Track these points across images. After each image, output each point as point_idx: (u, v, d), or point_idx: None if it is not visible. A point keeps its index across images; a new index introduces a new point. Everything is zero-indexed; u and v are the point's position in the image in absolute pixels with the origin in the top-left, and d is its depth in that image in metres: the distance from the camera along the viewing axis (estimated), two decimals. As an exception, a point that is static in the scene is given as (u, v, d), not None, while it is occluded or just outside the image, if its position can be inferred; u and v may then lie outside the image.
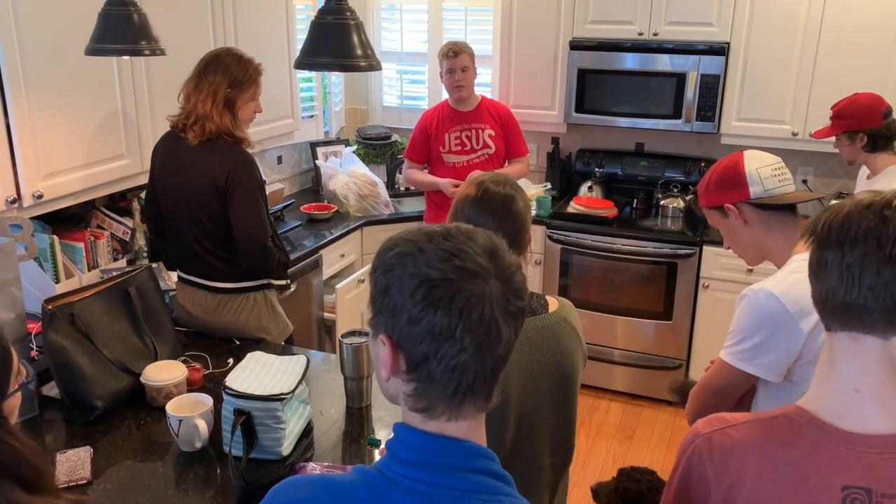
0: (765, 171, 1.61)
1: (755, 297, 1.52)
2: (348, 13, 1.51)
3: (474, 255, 0.86)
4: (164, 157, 2.40)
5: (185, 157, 2.31)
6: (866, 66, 3.41)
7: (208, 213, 2.32)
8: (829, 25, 3.44)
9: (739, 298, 1.57)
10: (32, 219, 2.30)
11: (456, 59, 3.44)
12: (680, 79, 3.71)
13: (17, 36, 2.14)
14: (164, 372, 2.01)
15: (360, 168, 4.11)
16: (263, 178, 2.38)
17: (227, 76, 2.26)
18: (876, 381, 0.97)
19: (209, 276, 2.41)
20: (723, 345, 1.61)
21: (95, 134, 2.48)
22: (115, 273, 2.27)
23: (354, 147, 4.41)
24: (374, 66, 1.51)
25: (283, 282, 2.53)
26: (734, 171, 1.63)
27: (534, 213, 3.92)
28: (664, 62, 3.73)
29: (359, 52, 1.50)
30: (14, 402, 1.14)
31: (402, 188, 4.34)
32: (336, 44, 1.50)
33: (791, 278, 1.51)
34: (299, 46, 1.59)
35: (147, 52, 2.01)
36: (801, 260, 1.53)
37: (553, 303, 1.60)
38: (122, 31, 1.97)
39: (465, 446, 0.90)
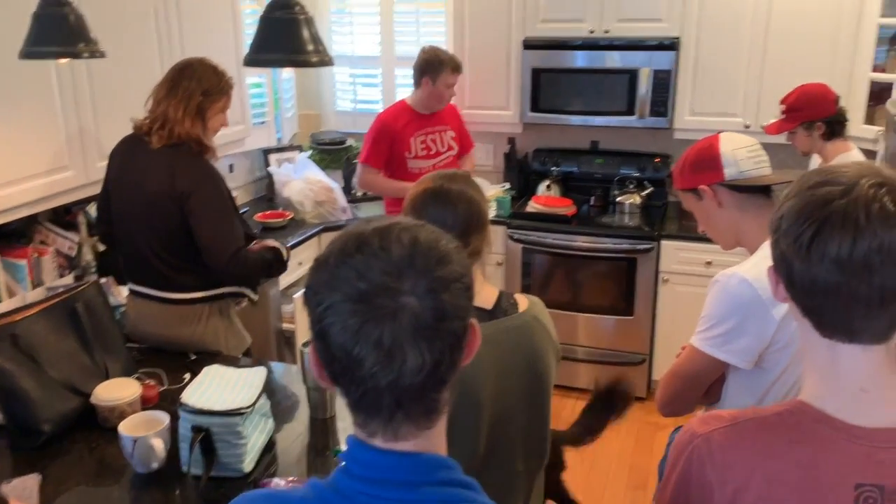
0: (740, 153, 1.60)
1: (727, 283, 1.50)
2: (297, 7, 1.46)
3: (381, 273, 0.78)
4: (122, 161, 2.31)
5: (146, 161, 2.24)
6: (813, 56, 3.46)
7: (164, 219, 2.23)
8: (777, 17, 3.49)
9: (711, 284, 1.55)
10: (-31, 236, 2.18)
11: (459, 76, 3.46)
12: (632, 75, 3.72)
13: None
14: (116, 390, 1.92)
15: (316, 174, 4.03)
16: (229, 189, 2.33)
17: (201, 84, 2.25)
18: (884, 381, 0.94)
19: (162, 286, 2.31)
20: (685, 338, 1.59)
21: (35, 145, 2.36)
22: (61, 290, 2.17)
23: (309, 153, 4.33)
24: (325, 61, 1.46)
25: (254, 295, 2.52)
26: (709, 152, 1.61)
27: (494, 213, 3.90)
28: (616, 59, 3.74)
29: (310, 47, 1.44)
30: None
31: (360, 193, 4.27)
32: (286, 39, 1.45)
33: (764, 264, 1.49)
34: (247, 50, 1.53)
35: (86, 54, 1.92)
36: None
37: (523, 302, 1.56)
38: (58, 33, 1.88)
39: (421, 459, 0.84)
